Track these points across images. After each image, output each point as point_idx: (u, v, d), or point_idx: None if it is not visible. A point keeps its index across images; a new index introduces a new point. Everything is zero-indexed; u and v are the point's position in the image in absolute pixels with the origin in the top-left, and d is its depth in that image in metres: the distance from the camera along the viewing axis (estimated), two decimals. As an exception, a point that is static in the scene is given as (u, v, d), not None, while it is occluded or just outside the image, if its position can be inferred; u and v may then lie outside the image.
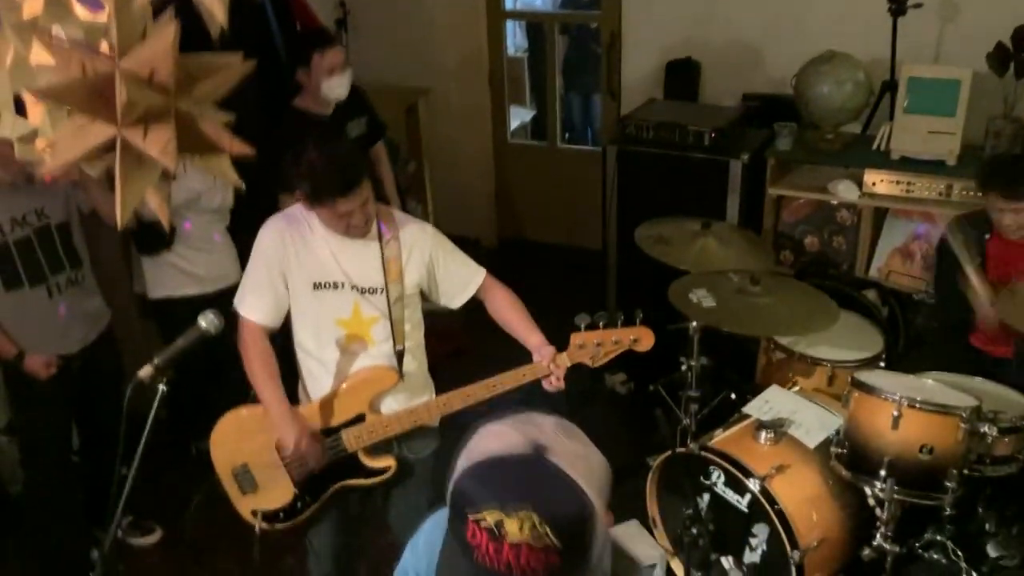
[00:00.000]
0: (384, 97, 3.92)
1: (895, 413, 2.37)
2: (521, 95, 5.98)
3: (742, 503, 2.56)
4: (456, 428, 2.59)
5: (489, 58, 5.27)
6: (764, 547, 2.55)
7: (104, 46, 1.03)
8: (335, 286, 2.31)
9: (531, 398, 2.43)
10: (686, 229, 3.25)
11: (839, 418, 2.62)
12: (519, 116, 5.82)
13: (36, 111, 1.15)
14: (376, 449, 2.40)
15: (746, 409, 2.79)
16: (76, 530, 3.08)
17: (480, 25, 5.19)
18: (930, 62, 3.88)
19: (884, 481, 2.39)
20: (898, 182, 3.55)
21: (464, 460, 1.13)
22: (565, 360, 2.29)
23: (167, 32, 0.98)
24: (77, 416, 3.08)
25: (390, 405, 2.39)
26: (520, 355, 2.34)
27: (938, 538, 2.50)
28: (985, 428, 2.38)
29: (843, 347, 3.05)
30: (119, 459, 1.95)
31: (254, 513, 2.44)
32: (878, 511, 2.46)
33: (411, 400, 2.40)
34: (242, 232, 3.08)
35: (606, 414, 3.98)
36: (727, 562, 2.63)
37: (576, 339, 2.29)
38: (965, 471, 2.40)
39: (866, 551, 2.48)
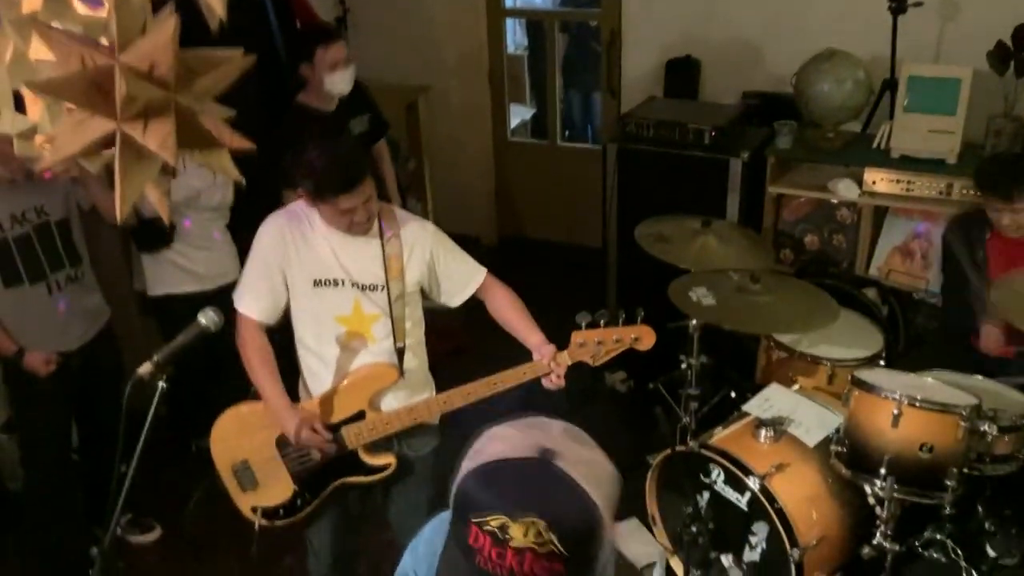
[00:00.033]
0: (384, 95, 3.92)
1: (895, 411, 2.37)
2: (521, 93, 5.98)
3: (742, 501, 2.56)
4: (456, 426, 2.61)
5: (489, 56, 5.27)
6: (764, 545, 2.55)
7: (104, 40, 1.02)
8: (335, 283, 2.31)
9: (531, 396, 2.43)
10: (686, 227, 3.25)
11: (839, 416, 2.62)
12: (519, 114, 5.82)
13: (35, 107, 1.15)
14: (376, 447, 2.40)
15: (746, 407, 2.79)
16: (76, 528, 3.08)
17: (480, 23, 5.19)
18: (930, 61, 3.88)
19: (884, 479, 2.39)
20: (898, 181, 3.55)
21: (469, 462, 1.11)
22: (566, 358, 2.29)
23: (167, 26, 0.97)
24: (77, 413, 3.08)
25: (390, 403, 2.39)
26: (520, 353, 2.34)
27: (938, 537, 2.50)
28: (985, 427, 2.38)
29: (843, 346, 3.05)
30: (119, 456, 1.94)
31: (254, 510, 2.45)
32: (878, 509, 2.46)
33: (411, 398, 2.40)
34: (242, 230, 3.08)
35: (606, 412, 3.98)
36: (727, 560, 2.63)
37: (577, 337, 2.28)
38: (965, 470, 2.40)
39: (866, 549, 2.48)
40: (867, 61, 3.75)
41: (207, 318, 2.05)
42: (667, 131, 3.85)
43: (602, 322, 2.28)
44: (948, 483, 2.36)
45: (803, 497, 2.51)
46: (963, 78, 3.42)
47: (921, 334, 3.48)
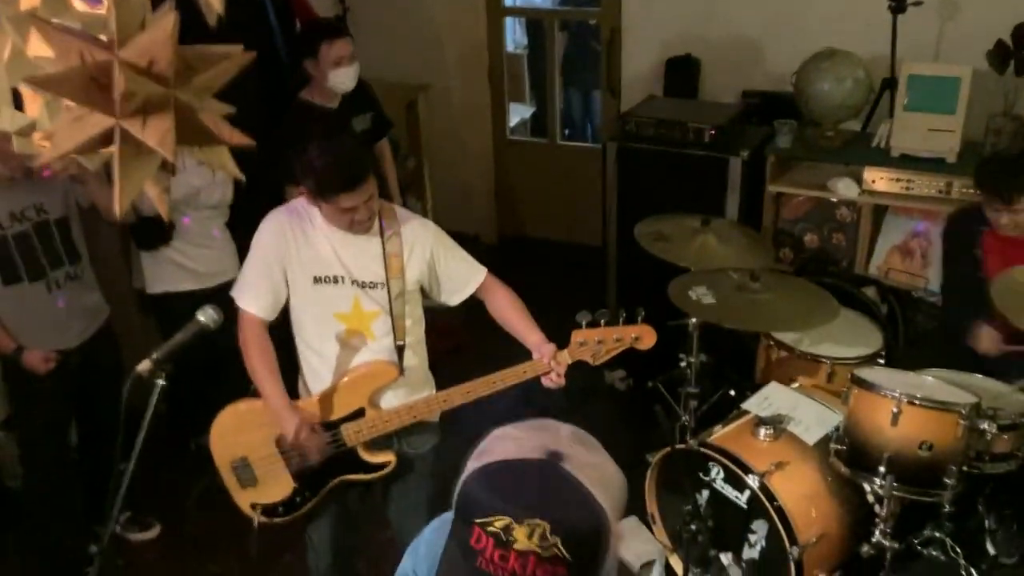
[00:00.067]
0: (384, 93, 3.92)
1: (894, 410, 2.37)
2: (521, 92, 5.97)
3: (741, 499, 2.56)
4: (456, 425, 2.61)
5: (489, 55, 5.27)
6: (763, 543, 2.55)
7: (102, 36, 1.02)
8: (335, 280, 2.31)
9: (531, 394, 2.43)
10: (686, 226, 3.25)
11: (838, 415, 2.62)
12: (519, 113, 5.82)
13: (34, 105, 1.15)
14: (376, 444, 2.40)
15: (745, 405, 2.79)
16: (75, 525, 3.08)
17: (480, 22, 5.19)
18: (930, 59, 3.88)
19: (883, 478, 2.39)
20: (898, 179, 3.55)
21: (475, 462, 1.09)
22: (566, 357, 2.29)
23: (166, 22, 0.97)
24: (76, 411, 3.08)
25: (390, 400, 2.39)
26: (520, 352, 2.34)
27: (937, 535, 2.50)
28: (984, 425, 2.38)
29: (843, 344, 3.05)
30: (118, 454, 1.94)
31: (253, 507, 2.45)
32: (877, 508, 2.46)
33: (411, 396, 2.40)
34: (242, 228, 3.08)
35: (605, 410, 3.98)
36: (726, 558, 2.63)
37: (577, 336, 2.28)
38: (964, 468, 2.40)
39: (865, 548, 2.48)
40: (867, 60, 3.75)
41: (206, 316, 2.05)
42: (667, 130, 3.85)
43: (602, 321, 2.28)
44: (947, 481, 2.36)
45: (802, 495, 2.51)
46: (963, 77, 3.42)
47: (920, 333, 3.47)
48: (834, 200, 3.72)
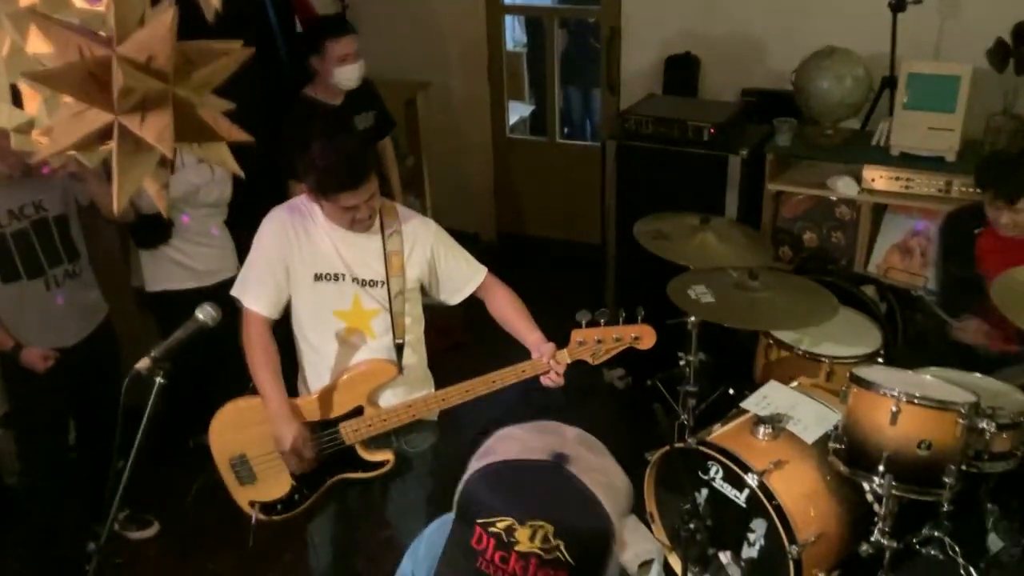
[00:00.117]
0: (383, 91, 3.92)
1: (894, 409, 2.37)
2: (520, 90, 5.97)
3: (740, 498, 2.56)
4: (455, 423, 2.61)
5: (488, 52, 5.26)
6: (762, 542, 2.55)
7: (102, 32, 1.02)
8: (335, 278, 2.31)
9: (530, 393, 2.43)
10: (685, 224, 3.25)
11: (837, 414, 2.62)
12: (518, 111, 5.81)
13: (33, 102, 1.14)
14: (374, 443, 2.40)
15: (744, 404, 2.79)
16: (73, 523, 3.07)
17: (479, 19, 5.18)
18: (930, 58, 3.88)
19: (882, 476, 2.38)
20: (897, 178, 3.55)
21: (478, 462, 1.07)
22: (565, 357, 2.28)
23: (165, 17, 0.97)
24: (74, 409, 3.08)
25: (388, 399, 2.39)
26: (519, 351, 2.34)
27: (936, 534, 2.50)
28: (984, 424, 2.38)
29: (842, 343, 3.05)
30: (116, 452, 1.94)
31: (252, 504, 2.44)
32: (876, 507, 2.46)
33: (410, 394, 2.40)
34: (241, 226, 3.07)
35: (604, 409, 3.98)
36: (725, 557, 2.63)
37: (577, 336, 2.28)
38: (963, 467, 2.40)
39: (864, 547, 2.48)
40: (867, 58, 3.75)
41: (205, 314, 2.05)
42: (666, 128, 3.85)
43: (602, 321, 2.27)
44: (946, 480, 2.36)
45: (801, 494, 2.51)
46: (962, 75, 3.42)
47: (920, 332, 3.47)
48: (833, 199, 3.72)
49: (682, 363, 3.12)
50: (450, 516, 1.08)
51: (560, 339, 2.30)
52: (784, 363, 3.09)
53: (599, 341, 2.28)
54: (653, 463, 2.80)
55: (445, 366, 2.55)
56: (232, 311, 2.30)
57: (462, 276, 2.43)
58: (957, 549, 2.47)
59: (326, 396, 2.36)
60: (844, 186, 3.63)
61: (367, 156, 2.30)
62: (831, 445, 2.54)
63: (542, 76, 5.60)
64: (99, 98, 0.97)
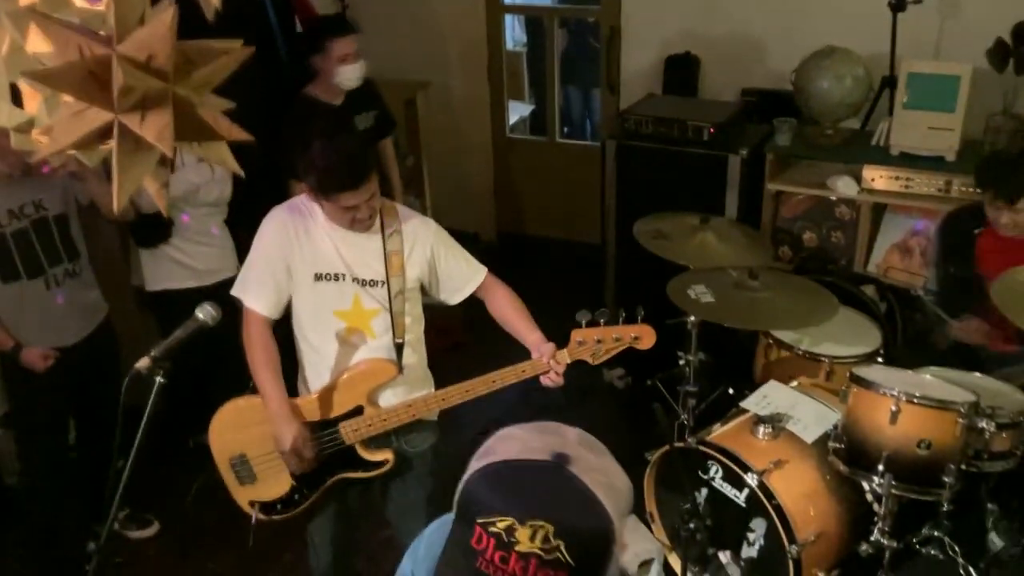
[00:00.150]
0: (383, 90, 3.92)
1: (893, 408, 2.37)
2: (520, 89, 5.97)
3: (740, 498, 2.56)
4: (455, 423, 2.61)
5: (488, 52, 5.26)
6: (762, 541, 2.55)
7: (102, 31, 1.02)
8: (336, 277, 2.31)
9: (530, 393, 2.43)
10: (685, 224, 3.25)
11: (837, 413, 2.62)
12: (518, 110, 5.81)
13: (33, 101, 1.14)
14: (374, 442, 2.40)
15: (744, 404, 2.79)
16: (73, 522, 3.07)
17: (479, 19, 5.18)
18: (930, 58, 3.88)
19: (882, 476, 2.38)
20: (897, 178, 3.55)
21: (478, 461, 1.06)
22: (565, 356, 2.28)
23: (165, 17, 0.97)
24: (75, 409, 3.08)
25: (388, 398, 2.39)
26: (519, 351, 2.34)
27: (935, 534, 2.50)
28: (983, 423, 2.38)
29: (841, 343, 3.05)
30: (116, 451, 1.94)
31: (251, 504, 2.44)
32: (876, 506, 2.46)
33: (410, 394, 2.40)
34: (243, 226, 3.07)
35: (604, 409, 3.98)
36: (724, 556, 2.63)
37: (576, 336, 2.28)
38: (963, 466, 2.40)
39: (864, 546, 2.48)
40: (867, 58, 3.75)
41: (204, 313, 2.05)
42: (666, 128, 3.85)
43: (602, 320, 2.27)
44: (946, 480, 2.36)
45: (801, 493, 2.51)
46: (962, 75, 3.42)
47: (919, 331, 3.47)
48: (833, 198, 3.72)
49: (682, 363, 3.12)
50: (450, 516, 1.08)
51: (560, 339, 2.30)
52: (784, 363, 3.09)
53: (599, 341, 2.28)
54: (653, 463, 2.80)
55: (445, 366, 2.55)
56: (232, 310, 2.30)
57: (462, 276, 2.43)
58: (957, 549, 2.47)
59: (326, 396, 2.36)
60: (844, 186, 3.63)
61: (367, 156, 2.30)
62: (831, 445, 2.54)
63: (542, 76, 5.60)
64: (99, 97, 0.97)
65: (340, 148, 2.18)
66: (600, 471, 1.05)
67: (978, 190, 2.98)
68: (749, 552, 2.59)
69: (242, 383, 2.40)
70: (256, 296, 2.31)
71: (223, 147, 1.10)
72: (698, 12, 4.50)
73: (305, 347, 2.40)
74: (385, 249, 2.32)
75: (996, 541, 2.50)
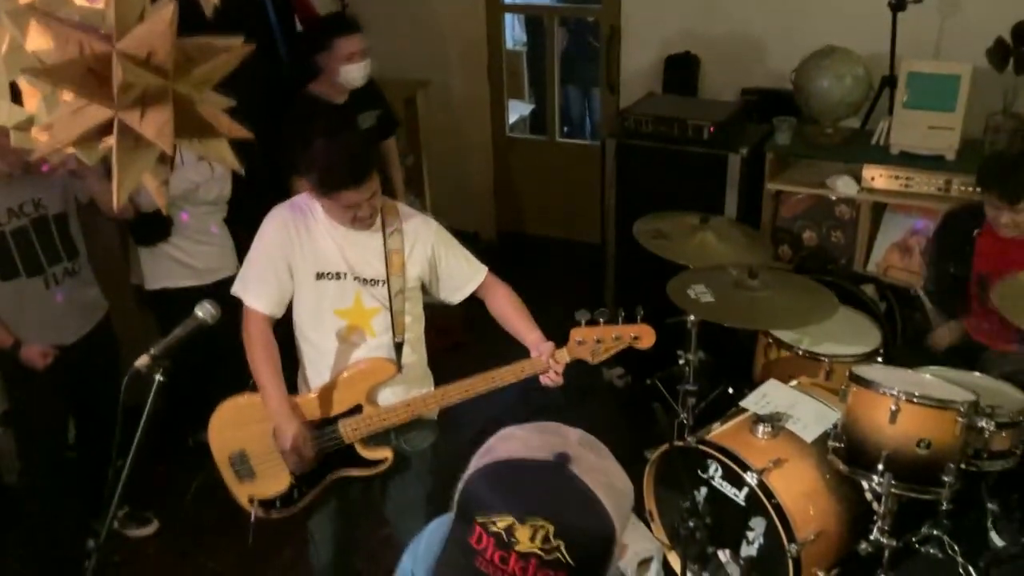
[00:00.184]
0: (383, 89, 3.92)
1: (893, 407, 2.37)
2: (520, 89, 5.97)
3: (739, 496, 2.56)
4: (454, 422, 2.61)
5: (488, 51, 5.26)
6: (761, 540, 2.55)
7: (102, 28, 1.02)
8: (337, 276, 2.31)
9: (529, 392, 2.43)
10: (685, 223, 3.25)
11: (837, 412, 2.62)
12: (518, 110, 5.82)
13: (33, 99, 1.14)
14: (373, 440, 2.40)
15: (743, 403, 2.79)
16: (72, 521, 3.07)
17: (479, 18, 5.18)
18: (930, 57, 3.88)
19: (881, 475, 2.39)
20: (897, 177, 3.55)
21: (479, 460, 1.05)
22: (564, 356, 2.28)
23: (165, 13, 0.97)
24: (74, 407, 3.08)
25: (388, 397, 2.39)
26: (519, 350, 2.34)
27: (935, 533, 2.50)
28: (983, 423, 2.38)
29: (841, 342, 3.05)
30: (115, 450, 1.94)
31: (251, 500, 2.44)
32: (875, 505, 2.46)
33: (409, 392, 2.40)
34: (243, 224, 3.07)
35: (604, 408, 3.98)
36: (724, 555, 2.63)
37: (576, 335, 2.28)
38: (963, 465, 2.40)
39: (863, 545, 2.48)
40: (866, 57, 3.75)
41: (204, 311, 2.05)
42: (666, 127, 3.85)
43: (601, 320, 2.27)
44: (945, 479, 2.36)
45: (800, 492, 2.52)
46: (962, 75, 3.42)
47: (919, 330, 3.47)
48: (833, 198, 3.72)
49: (681, 362, 3.11)
50: (450, 515, 1.07)
51: (559, 338, 2.30)
52: (783, 362, 3.09)
53: (598, 340, 2.28)
54: (652, 462, 2.80)
55: (445, 366, 2.55)
56: (232, 309, 2.30)
57: (463, 275, 2.43)
58: (956, 548, 2.47)
59: (326, 394, 2.36)
60: (844, 185, 3.63)
61: (369, 154, 2.30)
62: (830, 444, 2.54)
63: (542, 75, 5.60)
64: (99, 94, 0.97)
65: (342, 146, 2.18)
66: (601, 471, 1.04)
67: (978, 190, 2.98)
68: (748, 551, 2.59)
69: (242, 382, 2.40)
70: (257, 295, 2.31)
71: (223, 145, 1.10)
72: (698, 12, 4.50)
73: (305, 345, 2.40)
74: (386, 248, 2.32)
75: (996, 540, 2.50)
